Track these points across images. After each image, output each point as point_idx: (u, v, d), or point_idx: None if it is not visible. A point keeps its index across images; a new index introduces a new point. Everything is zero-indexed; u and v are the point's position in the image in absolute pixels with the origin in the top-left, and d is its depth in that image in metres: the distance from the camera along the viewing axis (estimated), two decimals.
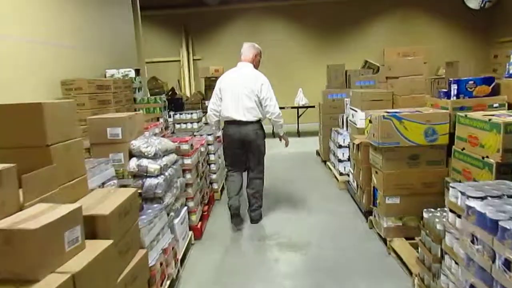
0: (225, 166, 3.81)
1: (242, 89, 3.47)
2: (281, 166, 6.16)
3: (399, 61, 3.70)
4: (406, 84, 3.57)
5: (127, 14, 5.83)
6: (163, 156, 2.83)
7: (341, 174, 4.84)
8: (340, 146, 4.80)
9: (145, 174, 2.66)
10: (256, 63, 3.73)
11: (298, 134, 9.03)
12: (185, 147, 3.27)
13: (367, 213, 3.55)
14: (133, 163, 2.69)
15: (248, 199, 3.76)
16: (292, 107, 8.90)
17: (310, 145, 7.86)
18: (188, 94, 10.50)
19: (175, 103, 5.02)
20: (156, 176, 2.66)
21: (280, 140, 3.98)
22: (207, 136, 4.41)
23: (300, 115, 9.16)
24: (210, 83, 9.09)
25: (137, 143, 2.74)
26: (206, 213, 3.83)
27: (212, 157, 4.46)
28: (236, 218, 3.61)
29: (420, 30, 10.78)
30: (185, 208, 3.14)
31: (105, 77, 4.44)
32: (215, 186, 4.51)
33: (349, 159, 4.78)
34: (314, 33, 11.03)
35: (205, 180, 4.05)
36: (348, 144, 4.76)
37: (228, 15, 11.02)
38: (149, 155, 2.69)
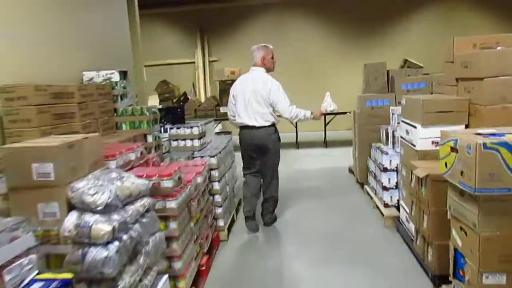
0: (242, 169, 3.78)
1: (252, 95, 3.46)
2: (305, 188, 5.04)
3: (482, 55, 2.52)
4: (495, 88, 2.41)
5: (120, 9, 4.88)
6: (125, 204, 1.81)
7: (386, 205, 3.69)
8: (385, 170, 3.65)
9: (88, 240, 1.64)
10: (267, 65, 3.63)
11: (325, 144, 7.88)
12: (167, 184, 2.23)
13: (438, 279, 2.41)
14: (70, 221, 1.67)
15: (261, 203, 3.78)
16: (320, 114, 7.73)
17: (340, 158, 6.69)
18: (203, 99, 9.54)
19: (173, 114, 4.01)
20: (106, 244, 1.64)
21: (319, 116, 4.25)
22: (210, 159, 3.37)
23: (328, 123, 8.00)
24: (226, 87, 8.09)
25: (81, 187, 1.73)
26: (204, 267, 2.78)
27: (216, 186, 3.41)
28: (250, 221, 3.64)
29: (469, 25, 9.42)
30: (165, 277, 2.09)
31: (82, 81, 3.49)
32: (220, 223, 3.46)
33: (397, 187, 3.63)
34: (343, 30, 9.84)
35: (205, 219, 3.01)
36: (396, 168, 3.61)
37: (247, 12, 10.00)
38: (97, 208, 1.67)
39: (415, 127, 2.76)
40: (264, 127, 3.47)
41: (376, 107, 4.47)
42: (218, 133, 8.91)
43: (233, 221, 3.91)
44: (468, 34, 9.52)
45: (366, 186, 4.50)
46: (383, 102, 4.45)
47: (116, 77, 3.51)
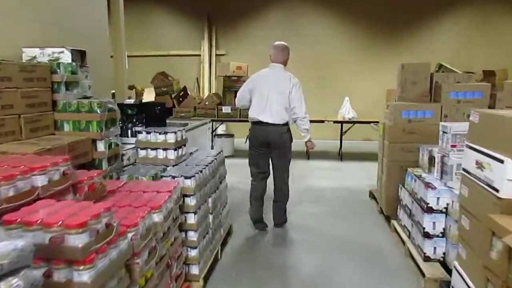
0: (250, 173, 3.72)
1: (272, 91, 3.41)
2: (315, 215, 4.03)
3: None
4: None
5: None
6: None
7: (427, 259, 2.66)
8: (429, 210, 2.62)
9: None
10: (286, 63, 3.64)
11: (341, 156, 6.83)
12: (75, 241, 1.25)
13: None
14: None
15: (273, 202, 3.73)
16: (335, 121, 6.71)
17: (357, 175, 5.67)
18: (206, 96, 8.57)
19: (149, 113, 3.03)
20: None
21: (306, 149, 3.81)
22: (185, 181, 2.38)
23: (345, 132, 6.96)
24: (230, 84, 7.11)
25: None
26: None
27: (191, 219, 2.43)
28: (258, 223, 3.66)
29: (505, 30, 8.31)
30: None
31: (22, 59, 2.54)
32: (194, 270, 2.47)
33: (444, 235, 2.61)
34: (365, 29, 8.78)
35: (166, 271, 2.03)
36: (446, 209, 2.58)
37: (260, 4, 9.00)
38: None
39: (500, 161, 1.73)
40: (279, 125, 3.39)
41: (415, 120, 3.43)
42: (219, 135, 7.97)
43: (215, 261, 2.92)
44: (504, 41, 8.39)
45: (394, 222, 3.46)
46: (424, 114, 3.41)
47: (66, 57, 2.56)
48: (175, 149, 2.70)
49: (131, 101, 3.20)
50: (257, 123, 3.46)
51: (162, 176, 2.44)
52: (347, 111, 6.63)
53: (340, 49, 8.83)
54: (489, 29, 8.46)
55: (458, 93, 3.36)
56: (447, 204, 2.57)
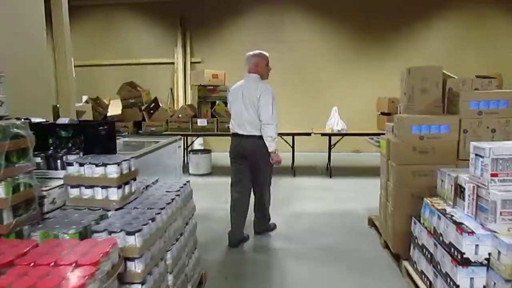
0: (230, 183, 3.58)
1: (243, 101, 3.34)
2: (304, 256, 3.31)
3: None
4: None
5: None
6: None
7: None
8: (466, 262, 1.95)
9: None
10: (261, 72, 3.44)
11: (329, 172, 6.17)
12: None
13: None
14: None
15: (253, 211, 3.69)
16: (323, 134, 6.06)
17: (350, 195, 5.02)
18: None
19: (89, 134, 2.28)
20: None
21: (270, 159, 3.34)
22: (127, 238, 1.64)
23: (334, 145, 6.32)
24: (206, 94, 6.38)
25: None
26: None
27: None
28: (231, 241, 3.49)
29: (499, 32, 7.92)
30: None
31: None
32: None
33: None
34: (350, 33, 8.24)
35: None
36: (488, 261, 1.92)
37: (238, 7, 8.36)
38: None
39: None
40: (254, 136, 3.30)
41: (428, 137, 2.79)
42: (194, 151, 7.20)
43: None
44: (496, 44, 7.98)
45: (406, 264, 2.79)
46: (439, 129, 2.78)
47: None
48: (118, 187, 1.96)
49: (66, 119, 2.40)
50: (234, 135, 3.47)
51: (94, 232, 1.69)
52: (335, 123, 6.00)
53: (325, 55, 8.25)
54: (481, 32, 8.05)
55: (479, 102, 2.74)
56: (489, 254, 1.91)
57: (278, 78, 8.44)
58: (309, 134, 6.06)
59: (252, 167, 3.39)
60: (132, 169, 2.10)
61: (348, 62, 8.20)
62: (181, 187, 2.42)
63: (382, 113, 6.29)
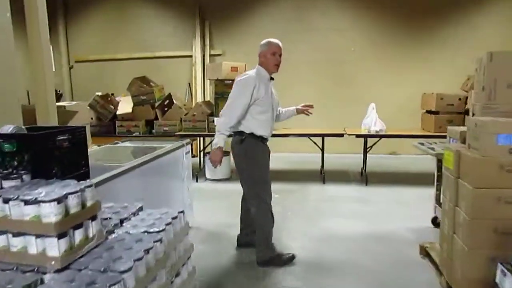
0: None
1: None
2: None
3: None
4: None
5: None
6: None
7: None
8: None
9: None
10: (265, 63, 2.87)
11: (365, 179, 5.33)
12: None
13: None
14: None
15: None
16: (359, 136, 5.22)
17: (394, 212, 4.16)
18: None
19: (42, 150, 1.62)
20: None
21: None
22: None
23: (370, 148, 5.47)
24: (223, 89, 5.66)
25: None
26: None
27: None
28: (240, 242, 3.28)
29: None
30: None
31: None
32: None
33: None
34: (388, 20, 7.28)
35: None
36: None
37: None
38: None
39: None
40: (236, 134, 2.88)
41: None
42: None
43: None
44: None
45: None
46: None
47: None
48: (60, 236, 1.27)
49: (10, 127, 1.74)
50: None
51: None
52: (373, 122, 5.15)
53: (361, 46, 7.33)
54: None
55: None
56: None
57: (307, 71, 7.65)
58: (341, 135, 5.25)
59: (237, 171, 2.97)
60: (89, 203, 1.41)
61: (387, 53, 7.25)
62: (170, 222, 1.71)
63: (428, 112, 5.39)
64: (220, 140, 2.71)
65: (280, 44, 2.85)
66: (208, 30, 7.76)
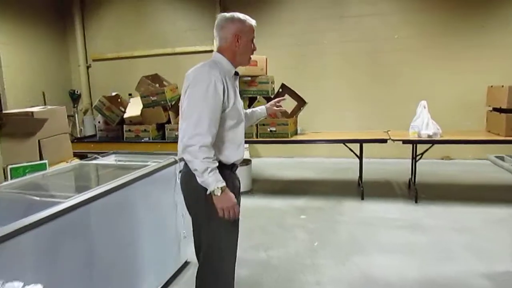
0: None
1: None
2: None
3: None
4: None
5: None
6: None
7: None
8: None
9: None
10: (230, 50, 1.85)
11: (415, 194, 4.31)
12: None
13: None
14: None
15: None
16: (406, 141, 4.22)
17: (459, 245, 3.12)
18: None
19: None
20: None
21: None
22: None
23: (421, 154, 4.44)
24: (242, 87, 4.79)
25: None
26: None
27: None
28: None
29: None
30: None
31: None
32: None
33: None
34: (439, 3, 6.12)
35: None
36: None
37: None
38: None
39: None
40: (185, 165, 1.82)
41: None
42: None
43: None
44: None
45: None
46: None
47: None
48: None
49: None
50: None
51: None
52: (424, 124, 4.13)
53: (405, 31, 6.24)
54: None
55: None
56: None
57: (338, 64, 6.58)
58: (384, 141, 4.27)
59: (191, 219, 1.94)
60: None
61: (439, 39, 6.08)
62: None
63: (497, 109, 4.28)
64: (214, 177, 1.66)
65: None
66: None
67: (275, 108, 2.28)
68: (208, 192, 1.69)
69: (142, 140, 5.10)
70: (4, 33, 6.46)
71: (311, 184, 5.24)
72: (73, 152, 5.53)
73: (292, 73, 6.44)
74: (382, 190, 4.76)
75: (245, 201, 4.52)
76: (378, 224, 3.65)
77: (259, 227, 3.71)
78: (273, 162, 6.68)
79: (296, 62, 6.68)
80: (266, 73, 4.81)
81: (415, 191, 4.32)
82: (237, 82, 1.94)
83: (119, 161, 3.00)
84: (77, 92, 7.89)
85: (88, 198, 1.82)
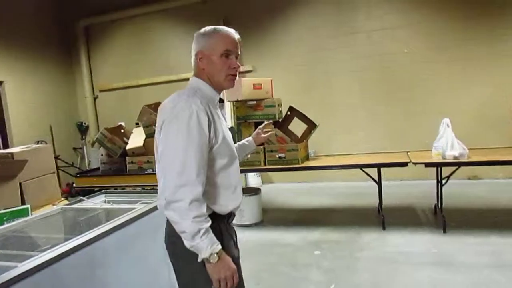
0: None
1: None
2: None
3: None
4: None
5: None
6: None
7: None
8: None
9: None
10: (206, 71, 1.50)
11: (443, 224, 3.85)
12: None
13: None
14: None
15: None
16: (428, 164, 3.81)
17: None
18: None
19: None
20: None
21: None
22: None
23: (447, 178, 4.00)
24: (246, 112, 4.56)
25: None
26: None
27: None
28: None
29: None
30: None
31: None
32: None
33: None
34: (457, 13, 5.77)
35: None
36: None
37: None
38: None
39: None
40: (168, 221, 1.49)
41: None
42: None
43: None
44: None
45: None
46: None
47: None
48: None
49: None
50: None
51: None
52: (449, 144, 3.72)
53: (422, 43, 5.90)
54: None
55: None
56: None
57: (351, 82, 6.20)
58: (405, 165, 3.87)
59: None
60: None
61: (461, 49, 5.67)
62: None
63: None
64: (208, 240, 1.33)
65: (237, 35, 1.50)
66: None
67: (263, 136, 1.99)
68: (199, 259, 1.35)
69: (146, 172, 4.85)
70: (9, 68, 6.43)
71: (326, 212, 4.84)
72: (76, 188, 5.40)
73: (300, 95, 6.15)
74: (405, 217, 4.32)
75: (254, 235, 4.20)
76: (403, 261, 3.21)
77: (268, 266, 3.33)
78: (286, 188, 6.32)
79: (304, 82, 6.41)
80: (272, 96, 4.53)
81: (442, 218, 3.87)
82: (223, 111, 1.65)
83: (108, 201, 2.72)
84: (85, 123, 7.79)
85: (48, 260, 1.51)
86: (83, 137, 7.84)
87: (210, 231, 1.34)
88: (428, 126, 4.79)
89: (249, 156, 2.24)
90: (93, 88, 7.75)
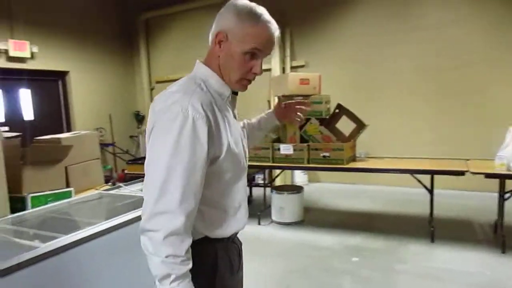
0: None
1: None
2: None
3: None
4: None
5: None
6: None
7: None
8: None
9: None
10: (217, 59, 1.18)
11: (503, 245, 3.44)
12: None
13: None
14: None
15: None
16: (489, 175, 3.42)
17: None
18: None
19: None
20: None
21: None
22: None
23: (511, 192, 3.58)
24: None
25: None
26: None
27: None
28: None
29: None
30: None
31: None
32: None
33: None
34: None
35: None
36: None
37: None
38: None
39: None
40: None
41: None
42: (279, 189, 5.02)
43: None
44: None
45: None
46: None
47: None
48: None
49: None
50: None
51: None
52: None
53: (485, 40, 5.34)
54: None
55: None
56: None
57: (413, 80, 5.80)
58: (462, 174, 3.52)
59: None
60: None
61: None
62: None
63: None
64: (172, 270, 1.01)
65: (277, 32, 1.16)
66: (289, 39, 6.67)
67: (290, 108, 1.61)
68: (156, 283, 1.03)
69: None
70: (75, 59, 6.88)
71: (371, 217, 4.58)
72: (127, 174, 5.66)
73: (350, 92, 5.88)
74: (459, 232, 3.94)
75: (292, 234, 4.09)
76: (449, 280, 2.92)
77: (299, 269, 3.21)
78: (332, 188, 6.10)
79: (354, 80, 6.12)
80: (320, 92, 4.36)
81: (502, 238, 3.46)
82: (235, 112, 1.26)
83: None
84: (141, 113, 8.15)
85: (71, 243, 1.55)
86: (139, 126, 8.21)
87: (188, 279, 1.03)
88: (496, 133, 4.32)
89: (268, 135, 1.84)
90: (150, 80, 8.07)
